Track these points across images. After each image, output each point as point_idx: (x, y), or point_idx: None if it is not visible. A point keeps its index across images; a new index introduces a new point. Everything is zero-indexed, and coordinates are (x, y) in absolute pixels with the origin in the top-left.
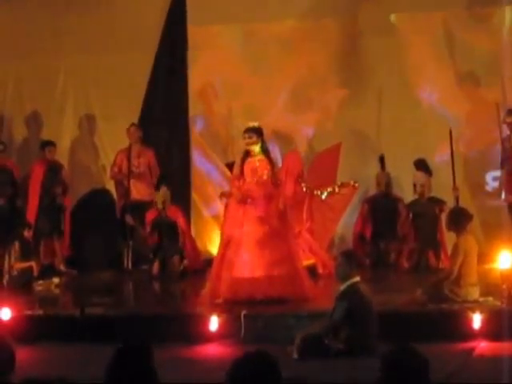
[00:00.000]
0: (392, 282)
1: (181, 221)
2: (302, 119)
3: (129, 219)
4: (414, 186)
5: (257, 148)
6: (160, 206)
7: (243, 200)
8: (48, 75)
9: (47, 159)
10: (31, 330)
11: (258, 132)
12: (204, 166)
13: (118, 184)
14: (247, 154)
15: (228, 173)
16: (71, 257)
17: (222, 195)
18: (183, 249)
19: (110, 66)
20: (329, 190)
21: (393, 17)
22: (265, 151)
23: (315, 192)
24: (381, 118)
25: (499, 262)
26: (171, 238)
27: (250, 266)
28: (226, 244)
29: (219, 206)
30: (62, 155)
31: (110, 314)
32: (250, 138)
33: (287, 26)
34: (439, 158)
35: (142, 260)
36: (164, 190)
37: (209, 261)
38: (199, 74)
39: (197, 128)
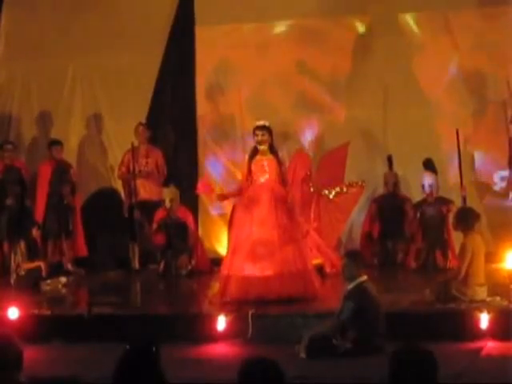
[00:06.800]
0: (399, 282)
1: (190, 221)
2: (310, 119)
3: (136, 214)
4: (423, 185)
5: (266, 147)
6: (168, 204)
7: (249, 204)
8: (56, 75)
9: (55, 159)
10: (39, 330)
11: (269, 130)
12: (211, 165)
13: (126, 183)
14: (255, 152)
15: (235, 172)
16: (79, 256)
17: (220, 197)
18: (193, 249)
19: (118, 66)
20: (336, 189)
21: (400, 16)
22: (273, 151)
23: (323, 192)
24: (388, 117)
25: (507, 261)
26: (180, 238)
27: (259, 265)
28: (234, 243)
29: (227, 206)
30: (70, 155)
31: (117, 314)
32: (262, 135)
33: (295, 26)
34: (446, 157)
35: (149, 259)
36: (172, 188)
37: (216, 261)
38: (207, 73)
39: (204, 128)
